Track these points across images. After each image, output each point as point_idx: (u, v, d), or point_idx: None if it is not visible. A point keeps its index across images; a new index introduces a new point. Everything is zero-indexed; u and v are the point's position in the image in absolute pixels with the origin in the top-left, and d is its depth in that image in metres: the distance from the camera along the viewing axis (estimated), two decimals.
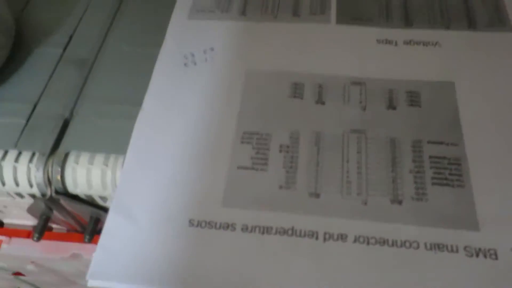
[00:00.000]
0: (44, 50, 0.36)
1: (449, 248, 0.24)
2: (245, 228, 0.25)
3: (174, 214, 0.26)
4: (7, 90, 0.34)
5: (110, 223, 0.26)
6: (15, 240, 0.35)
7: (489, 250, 0.24)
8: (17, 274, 0.41)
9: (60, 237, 0.34)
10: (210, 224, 0.25)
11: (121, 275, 0.24)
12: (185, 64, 0.33)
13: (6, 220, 0.37)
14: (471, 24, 0.34)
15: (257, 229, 0.25)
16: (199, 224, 0.26)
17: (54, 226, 0.36)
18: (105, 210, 0.31)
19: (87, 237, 0.31)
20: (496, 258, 0.23)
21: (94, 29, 0.37)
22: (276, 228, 0.25)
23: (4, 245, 0.35)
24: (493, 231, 0.24)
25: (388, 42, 0.33)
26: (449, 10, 0.34)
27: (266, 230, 0.25)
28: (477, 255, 0.23)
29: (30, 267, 0.36)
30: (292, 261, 0.24)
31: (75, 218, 0.33)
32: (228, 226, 0.25)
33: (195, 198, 0.27)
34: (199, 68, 0.33)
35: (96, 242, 0.32)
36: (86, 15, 0.38)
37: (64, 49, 0.36)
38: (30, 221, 0.36)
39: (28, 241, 0.35)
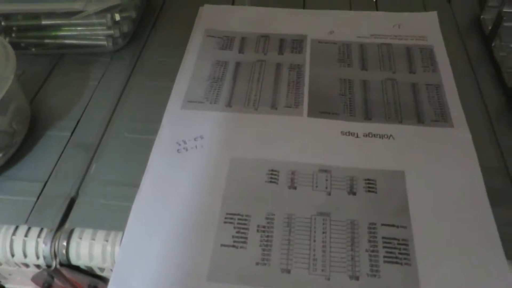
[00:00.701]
0: (54, 134, 0.41)
1: None
2: None
3: (165, 287, 0.30)
4: (20, 170, 0.38)
5: None
6: None
7: None
8: None
9: None
10: None
11: None
12: (178, 151, 0.38)
13: (8, 286, 0.40)
14: (419, 119, 0.40)
15: None
16: None
17: None
18: (103, 279, 0.36)
19: None
20: None
21: (99, 115, 0.43)
22: None
23: None
24: None
25: (350, 134, 0.39)
26: (402, 108, 0.41)
27: None
28: None
29: None
30: None
31: (74, 286, 0.37)
32: None
33: (184, 273, 0.31)
34: (190, 154, 0.38)
35: None
36: (92, 102, 0.44)
37: (72, 133, 0.41)
38: (30, 287, 0.39)
39: None
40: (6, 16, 0.46)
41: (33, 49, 0.48)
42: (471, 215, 0.33)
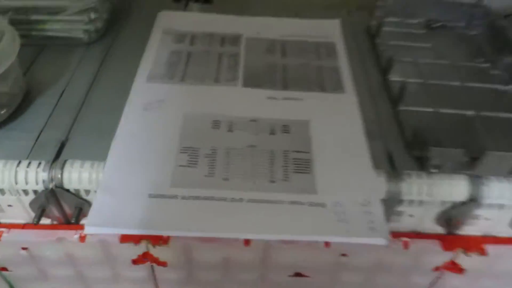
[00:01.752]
0: (44, 100, 0.52)
1: (301, 203, 0.42)
2: (185, 197, 0.42)
3: (140, 191, 0.42)
4: (20, 123, 0.49)
5: (99, 197, 0.42)
6: (13, 230, 0.48)
7: (322, 203, 0.43)
8: (2, 269, 0.53)
9: (49, 227, 0.48)
10: (162, 196, 0.42)
11: (108, 223, 0.40)
12: (145, 109, 0.51)
13: (1, 220, 0.50)
14: (322, 89, 0.56)
15: (191, 198, 0.42)
16: (155, 196, 0.42)
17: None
18: (87, 202, 0.47)
19: (74, 219, 0.46)
20: (325, 207, 0.42)
21: (80, 87, 0.54)
22: (204, 197, 0.42)
23: (4, 234, 0.48)
24: (324, 194, 0.43)
25: (273, 98, 0.54)
26: (310, 81, 0.57)
27: (197, 198, 0.42)
28: (316, 206, 0.42)
29: (23, 252, 0.49)
30: (214, 212, 0.41)
31: (63, 212, 0.48)
32: (173, 197, 0.42)
33: (153, 183, 0.43)
34: (154, 111, 0.51)
35: (78, 229, 0.47)
36: (72, 79, 0.56)
37: (58, 100, 0.53)
38: (23, 220, 0.49)
39: (23, 231, 0.48)
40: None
41: (21, 40, 0.59)
42: (353, 145, 0.48)
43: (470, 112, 0.52)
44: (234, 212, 0.42)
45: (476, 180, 0.45)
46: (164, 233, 0.41)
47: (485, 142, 0.47)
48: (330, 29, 0.67)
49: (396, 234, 0.48)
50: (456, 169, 0.45)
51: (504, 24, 0.64)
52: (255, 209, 0.42)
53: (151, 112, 0.51)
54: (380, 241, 0.41)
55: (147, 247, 0.48)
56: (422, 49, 0.62)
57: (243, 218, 0.41)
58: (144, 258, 0.50)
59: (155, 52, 0.60)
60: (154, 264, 0.51)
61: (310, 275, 0.52)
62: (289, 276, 0.53)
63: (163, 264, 0.50)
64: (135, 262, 0.51)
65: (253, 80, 0.57)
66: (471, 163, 0.45)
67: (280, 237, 0.42)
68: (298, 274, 0.52)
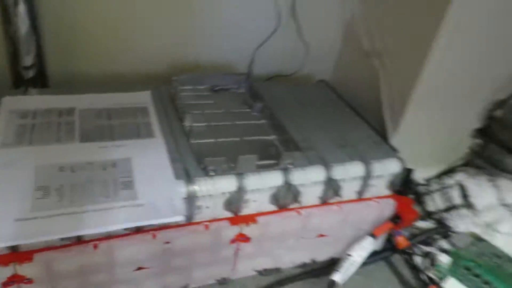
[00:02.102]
0: None
1: (127, 206, 0.64)
2: (42, 217, 0.60)
3: (7, 218, 0.59)
4: None
5: None
6: None
7: (141, 204, 0.65)
8: None
9: None
10: (25, 218, 0.60)
11: None
12: (4, 166, 0.68)
13: None
14: (139, 137, 0.80)
15: (47, 216, 0.60)
16: (20, 219, 0.59)
17: None
18: None
19: None
20: (143, 206, 0.65)
21: None
22: (56, 214, 0.61)
23: None
24: (143, 199, 0.66)
25: (104, 147, 0.76)
26: (131, 132, 0.81)
27: (51, 216, 0.61)
28: (137, 206, 0.65)
29: None
30: (65, 222, 0.60)
31: None
32: (34, 218, 0.60)
33: (17, 211, 0.60)
34: (9, 167, 0.68)
35: None
36: None
37: None
38: None
39: None
40: None
41: None
42: (161, 168, 0.73)
43: (237, 139, 0.83)
44: (80, 220, 0.61)
45: (239, 176, 0.74)
46: (29, 240, 0.58)
47: (243, 153, 0.77)
48: (143, 98, 0.93)
49: (198, 222, 0.73)
50: (226, 171, 0.73)
51: (258, 85, 0.99)
52: (95, 215, 0.62)
53: (7, 168, 0.68)
54: (179, 218, 0.65)
55: (15, 269, 0.63)
56: (208, 104, 0.93)
57: (87, 221, 0.61)
58: (12, 280, 0.64)
59: (4, 127, 0.77)
60: (22, 284, 0.65)
61: (148, 266, 0.73)
62: (134, 270, 0.72)
63: (30, 282, 0.65)
64: (4, 285, 0.64)
65: (87, 138, 0.78)
66: (234, 166, 0.74)
67: (115, 227, 0.63)
68: (140, 268, 0.72)
